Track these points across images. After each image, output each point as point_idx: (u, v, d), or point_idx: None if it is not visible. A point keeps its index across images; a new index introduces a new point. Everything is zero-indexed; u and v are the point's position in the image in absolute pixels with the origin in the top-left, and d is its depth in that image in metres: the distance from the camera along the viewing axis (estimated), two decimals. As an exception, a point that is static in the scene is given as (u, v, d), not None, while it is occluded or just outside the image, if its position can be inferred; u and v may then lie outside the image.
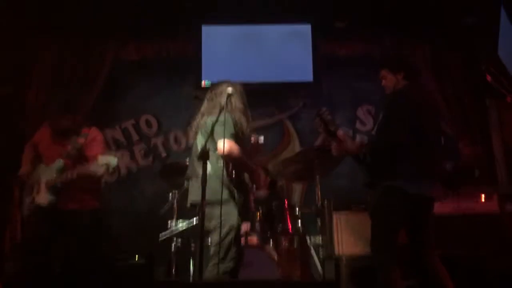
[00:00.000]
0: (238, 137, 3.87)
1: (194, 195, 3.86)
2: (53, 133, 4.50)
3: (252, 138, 4.16)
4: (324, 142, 6.09)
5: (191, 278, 4.94)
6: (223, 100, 3.95)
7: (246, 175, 4.06)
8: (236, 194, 3.78)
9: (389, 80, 3.93)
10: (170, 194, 5.19)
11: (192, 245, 5.01)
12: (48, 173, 4.30)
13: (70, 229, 4.32)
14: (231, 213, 3.71)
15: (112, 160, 4.03)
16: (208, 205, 3.59)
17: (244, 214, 3.86)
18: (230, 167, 3.83)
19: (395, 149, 3.60)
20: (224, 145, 3.64)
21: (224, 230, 3.65)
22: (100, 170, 4.01)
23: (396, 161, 3.61)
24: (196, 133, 4.02)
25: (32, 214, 4.35)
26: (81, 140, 4.40)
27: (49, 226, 4.29)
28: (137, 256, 4.96)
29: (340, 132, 3.91)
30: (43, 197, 4.25)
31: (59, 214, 4.27)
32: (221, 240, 3.62)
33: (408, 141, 3.58)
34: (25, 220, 4.52)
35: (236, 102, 4.01)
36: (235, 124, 3.89)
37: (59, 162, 4.28)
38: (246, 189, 3.95)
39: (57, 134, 4.47)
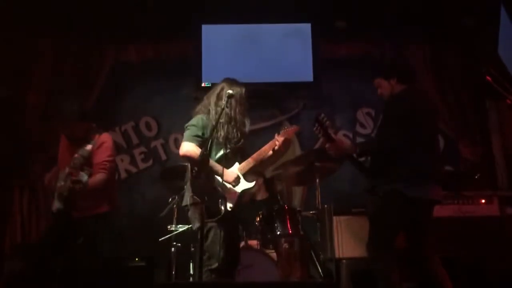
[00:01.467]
0: (209, 140, 3.83)
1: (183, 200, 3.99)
2: (68, 142, 4.49)
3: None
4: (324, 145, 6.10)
5: (191, 280, 4.95)
6: (211, 100, 4.01)
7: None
8: (196, 197, 3.72)
9: (385, 88, 3.94)
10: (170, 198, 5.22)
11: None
12: (59, 181, 4.29)
13: (74, 234, 4.32)
14: (195, 216, 3.75)
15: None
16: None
17: (212, 215, 3.76)
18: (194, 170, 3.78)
19: (394, 153, 3.61)
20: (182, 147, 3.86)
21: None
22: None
23: (395, 165, 3.62)
24: None
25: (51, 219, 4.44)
26: (89, 147, 4.39)
27: (56, 232, 4.33)
28: (137, 258, 4.97)
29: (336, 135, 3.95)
30: (54, 204, 4.26)
31: (67, 221, 4.27)
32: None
33: (407, 144, 3.58)
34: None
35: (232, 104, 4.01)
36: (204, 126, 3.93)
37: (65, 171, 4.27)
38: (211, 190, 3.81)
39: (70, 142, 4.45)
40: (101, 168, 4.27)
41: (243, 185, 3.92)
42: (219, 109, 3.88)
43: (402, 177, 3.58)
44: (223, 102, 3.88)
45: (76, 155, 4.30)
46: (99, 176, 4.23)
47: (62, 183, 4.22)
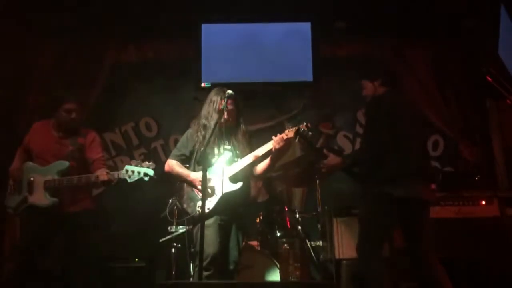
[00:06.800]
0: (191, 153, 4.03)
1: None
2: (55, 129, 4.41)
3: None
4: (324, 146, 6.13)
5: (191, 280, 4.95)
6: (203, 110, 4.06)
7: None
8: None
9: (369, 89, 3.98)
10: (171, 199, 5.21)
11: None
12: (47, 173, 4.19)
13: (70, 230, 4.27)
14: None
15: (150, 171, 4.03)
16: None
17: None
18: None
19: (378, 155, 3.63)
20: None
21: None
22: (131, 179, 4.01)
23: (382, 167, 3.63)
24: None
25: (26, 214, 4.24)
26: (81, 140, 4.36)
27: (47, 227, 4.20)
28: (137, 259, 4.98)
29: (324, 151, 3.99)
30: (41, 198, 4.15)
31: (59, 216, 4.19)
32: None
33: (391, 145, 3.60)
34: (21, 221, 4.46)
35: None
36: (187, 141, 4.06)
37: (64, 164, 4.20)
38: (191, 195, 3.98)
39: (58, 133, 4.40)
40: (103, 164, 4.32)
41: (228, 186, 3.86)
42: (214, 115, 3.95)
43: (389, 179, 3.60)
44: (218, 105, 3.95)
45: (71, 147, 4.27)
46: (104, 171, 4.18)
47: (56, 176, 4.16)
